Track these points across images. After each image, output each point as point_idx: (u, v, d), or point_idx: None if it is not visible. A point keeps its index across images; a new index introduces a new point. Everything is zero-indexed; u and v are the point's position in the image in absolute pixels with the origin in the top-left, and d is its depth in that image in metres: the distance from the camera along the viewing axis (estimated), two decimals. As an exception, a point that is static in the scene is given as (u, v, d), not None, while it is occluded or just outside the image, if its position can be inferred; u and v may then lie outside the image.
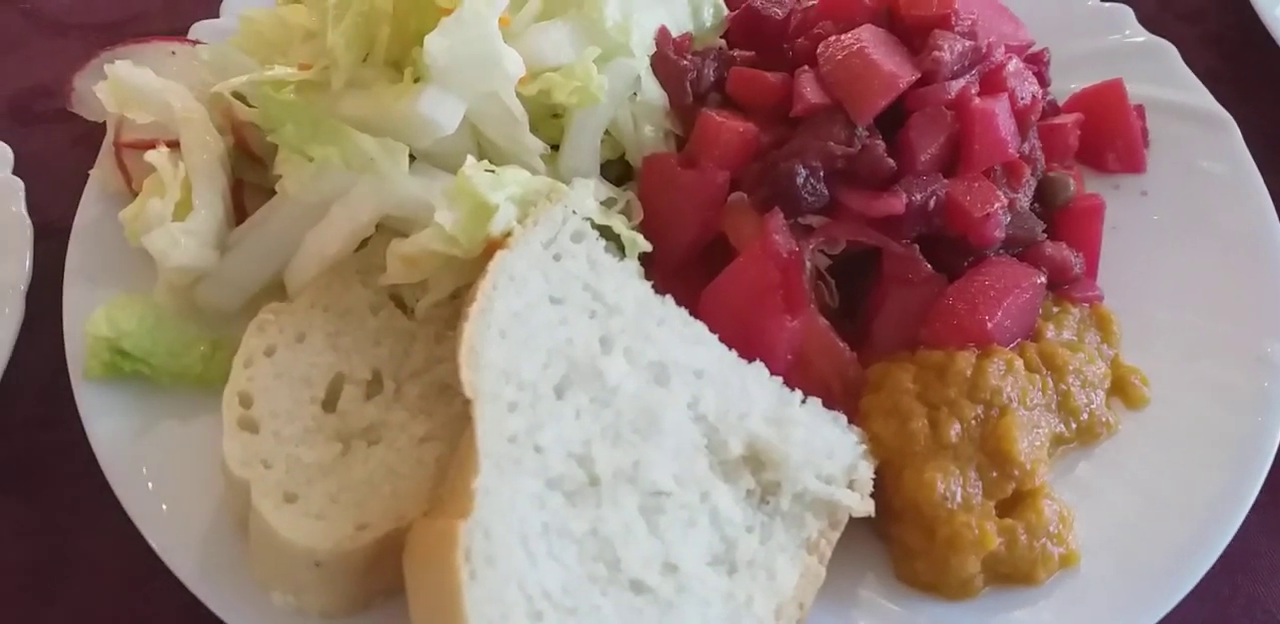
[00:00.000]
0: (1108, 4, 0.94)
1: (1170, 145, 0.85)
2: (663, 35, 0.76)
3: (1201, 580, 0.66)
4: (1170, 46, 0.90)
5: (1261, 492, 0.67)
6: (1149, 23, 0.92)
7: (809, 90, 0.71)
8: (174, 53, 0.83)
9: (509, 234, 0.61)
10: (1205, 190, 0.82)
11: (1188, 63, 0.90)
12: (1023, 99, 0.75)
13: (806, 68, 0.72)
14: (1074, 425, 0.66)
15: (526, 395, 0.53)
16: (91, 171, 0.78)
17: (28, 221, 0.77)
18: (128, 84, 0.75)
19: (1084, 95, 0.86)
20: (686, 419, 0.57)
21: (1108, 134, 0.85)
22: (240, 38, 0.77)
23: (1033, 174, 0.76)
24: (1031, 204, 0.76)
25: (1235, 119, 0.85)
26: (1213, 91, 0.87)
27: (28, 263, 0.74)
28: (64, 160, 0.86)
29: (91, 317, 0.65)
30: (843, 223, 0.70)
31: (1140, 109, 0.86)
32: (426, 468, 0.56)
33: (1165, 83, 0.88)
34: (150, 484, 0.61)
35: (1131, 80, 0.87)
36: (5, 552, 0.68)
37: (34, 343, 0.73)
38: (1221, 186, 0.81)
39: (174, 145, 0.73)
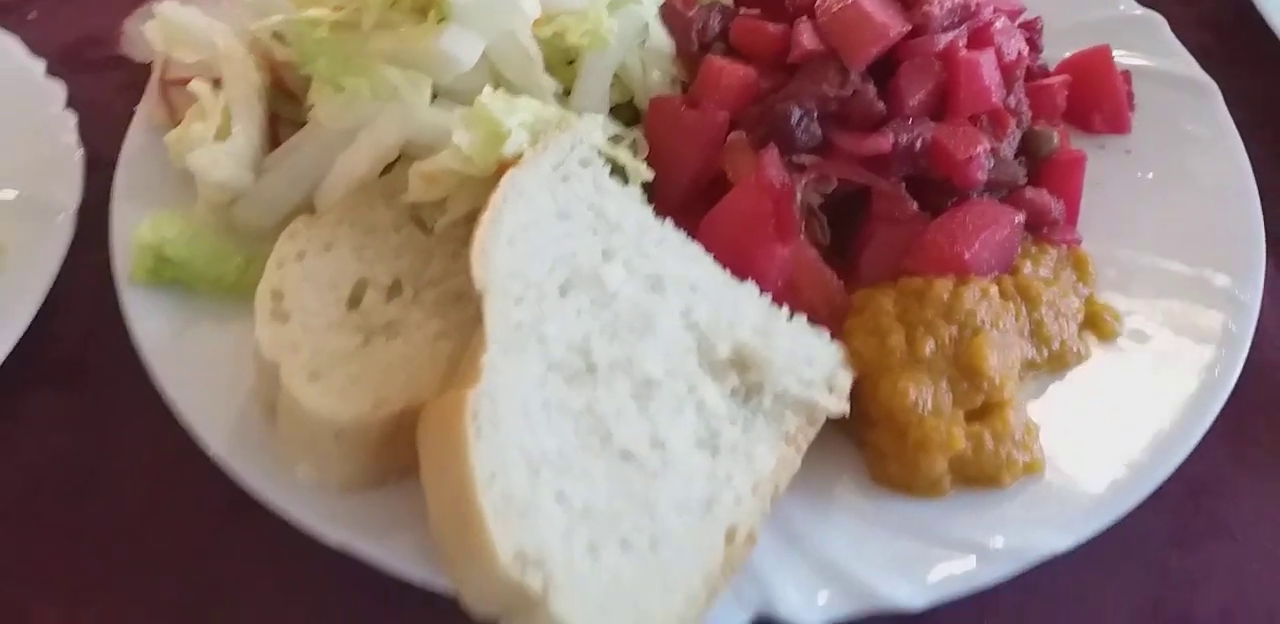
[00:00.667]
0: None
1: (1155, 109, 0.90)
2: (671, -15, 0.82)
3: (1169, 500, 0.70)
4: (1160, 19, 0.95)
5: (1229, 424, 0.72)
6: (1144, 3, 0.97)
7: (806, 38, 0.76)
8: (219, 1, 0.90)
9: (520, 156, 0.66)
10: (1187, 150, 0.86)
11: (1180, 39, 0.94)
12: (1009, 54, 0.80)
13: (805, 18, 0.78)
14: (1045, 352, 0.70)
15: (532, 292, 0.58)
16: (138, 107, 0.84)
17: (78, 150, 0.83)
18: (175, 23, 0.81)
19: (1072, 60, 0.91)
20: (679, 325, 0.62)
21: (1095, 96, 0.89)
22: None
23: (1018, 126, 0.81)
24: (1017, 156, 0.81)
25: (1223, 92, 0.89)
26: (1202, 65, 0.91)
27: (78, 186, 0.80)
28: (113, 103, 0.91)
29: (138, 227, 0.71)
30: (834, 161, 0.75)
31: (1127, 74, 0.90)
32: (439, 362, 0.61)
33: (1154, 52, 0.93)
34: (188, 375, 0.66)
35: (1121, 49, 0.91)
36: (47, 443, 0.73)
37: (82, 262, 0.79)
38: (1202, 147, 0.86)
39: (216, 83, 0.79)
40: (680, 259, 0.66)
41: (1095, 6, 0.98)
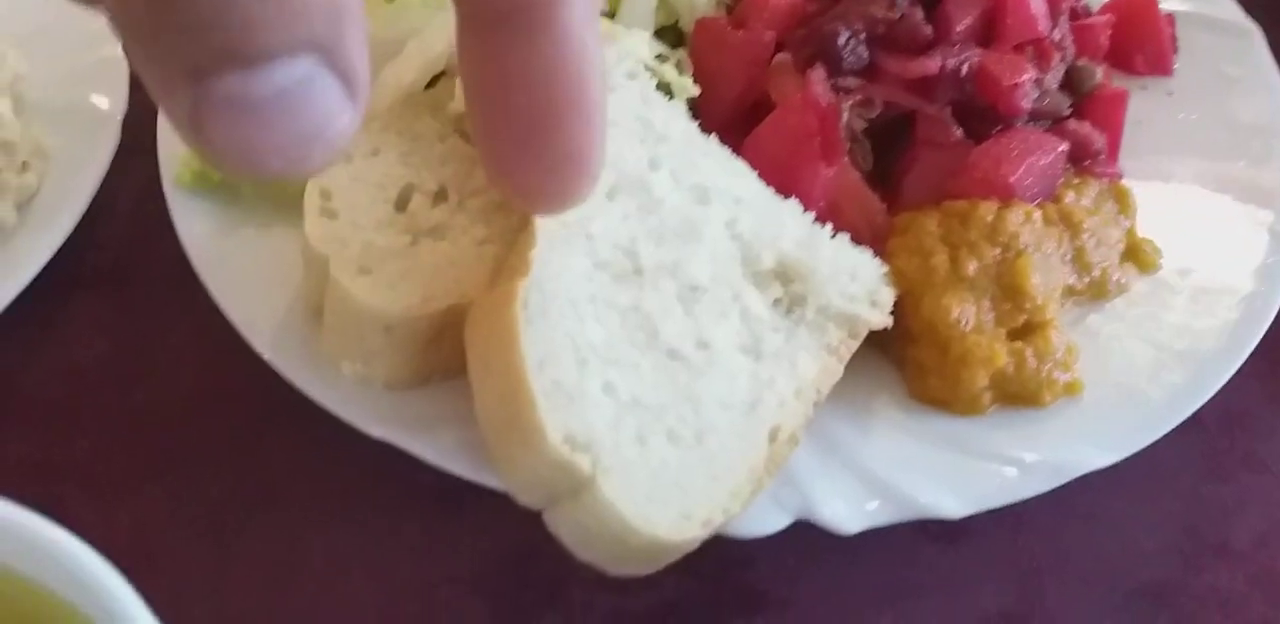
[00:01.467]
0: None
1: (1197, 52, 0.89)
2: (720, -91, 0.82)
3: (1203, 434, 0.71)
4: (1205, -36, 0.94)
5: (1265, 363, 0.72)
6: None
7: (857, -40, 0.76)
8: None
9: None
10: (1227, 90, 0.86)
11: None
12: (1056, -11, 0.80)
13: (855, -59, 0.78)
14: (1086, 279, 0.70)
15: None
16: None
17: (125, 61, 0.83)
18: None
19: (1116, 1, 0.90)
20: (724, 234, 0.62)
21: (1138, 38, 0.89)
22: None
23: (1062, 60, 0.81)
24: (1060, 90, 0.81)
25: (1266, 36, 0.89)
26: (1245, 9, 0.91)
27: (125, 95, 0.81)
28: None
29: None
30: (880, 84, 0.75)
31: (1170, 17, 0.90)
32: (485, 263, 0.61)
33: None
34: (233, 277, 0.67)
35: (1164, -4, 0.91)
36: (89, 345, 0.74)
37: (129, 171, 0.79)
38: (1242, 87, 0.86)
39: None
40: (725, 172, 0.66)
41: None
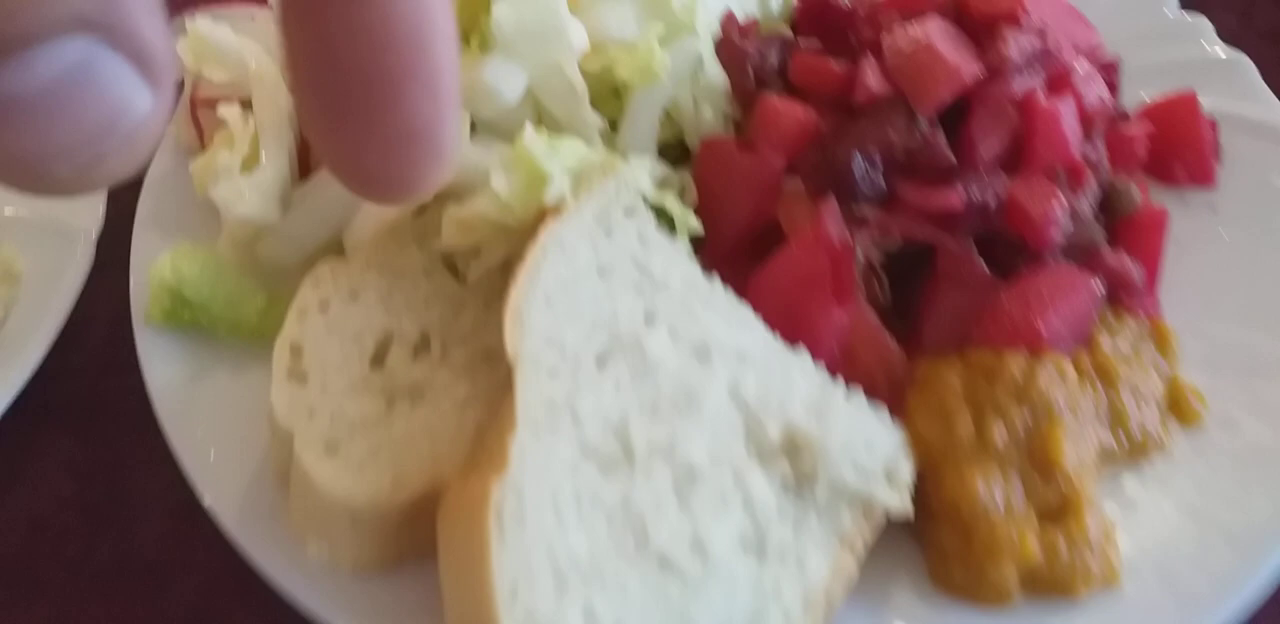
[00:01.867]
0: (1186, 16, 0.93)
1: (1243, 161, 0.83)
2: (728, 18, 0.77)
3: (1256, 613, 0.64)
4: (1248, 62, 0.88)
5: None
6: (1230, 39, 0.90)
7: (872, 79, 0.71)
8: (254, 18, 0.86)
9: (562, 204, 0.61)
10: (1276, 205, 0.80)
11: (1267, 82, 0.87)
12: (1089, 102, 0.75)
13: (871, 56, 0.72)
14: (1124, 440, 0.64)
15: (568, 362, 0.53)
16: (166, 128, 0.80)
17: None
18: (207, 40, 0.77)
19: (1155, 106, 0.85)
20: (725, 400, 0.57)
21: (1178, 146, 0.83)
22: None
23: (1096, 180, 0.75)
24: (1094, 213, 0.75)
25: None
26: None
27: (100, 210, 0.77)
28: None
29: (157, 262, 0.67)
30: (898, 216, 0.69)
31: (1213, 123, 0.84)
32: (465, 431, 0.57)
33: (1241, 98, 0.86)
34: (200, 430, 0.62)
35: (1206, 94, 0.85)
36: (58, 488, 0.70)
37: (101, 289, 0.75)
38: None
39: (247, 104, 0.75)
40: (728, 323, 0.61)
41: (1178, 44, 0.92)
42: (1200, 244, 0.78)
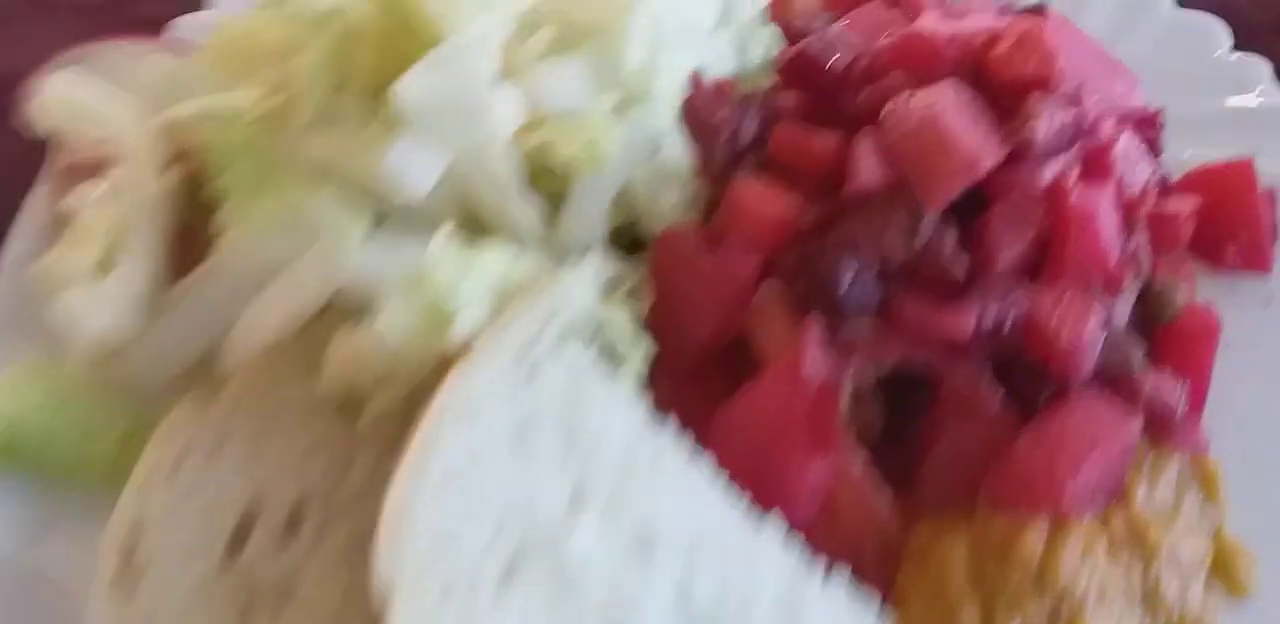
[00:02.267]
0: (1241, 57, 0.80)
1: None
2: (695, 82, 0.63)
3: None
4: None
5: None
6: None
7: (867, 165, 0.58)
8: (141, 57, 0.73)
9: (470, 345, 0.49)
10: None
11: None
12: (1132, 188, 0.62)
13: (869, 131, 0.59)
14: (1158, 614, 0.53)
15: (464, 579, 0.42)
16: (28, 198, 0.68)
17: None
18: (68, 101, 0.64)
19: (1204, 174, 0.72)
20: (672, 606, 0.45)
21: (1229, 223, 0.70)
22: (208, 50, 0.66)
23: (1136, 277, 0.63)
24: (1132, 320, 0.62)
25: None
26: None
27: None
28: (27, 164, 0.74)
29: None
30: (895, 338, 0.57)
31: (1271, 196, 0.71)
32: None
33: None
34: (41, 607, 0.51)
35: (1263, 154, 0.72)
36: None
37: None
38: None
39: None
40: (680, 495, 0.49)
41: (1230, 90, 0.79)
42: (1253, 346, 0.66)
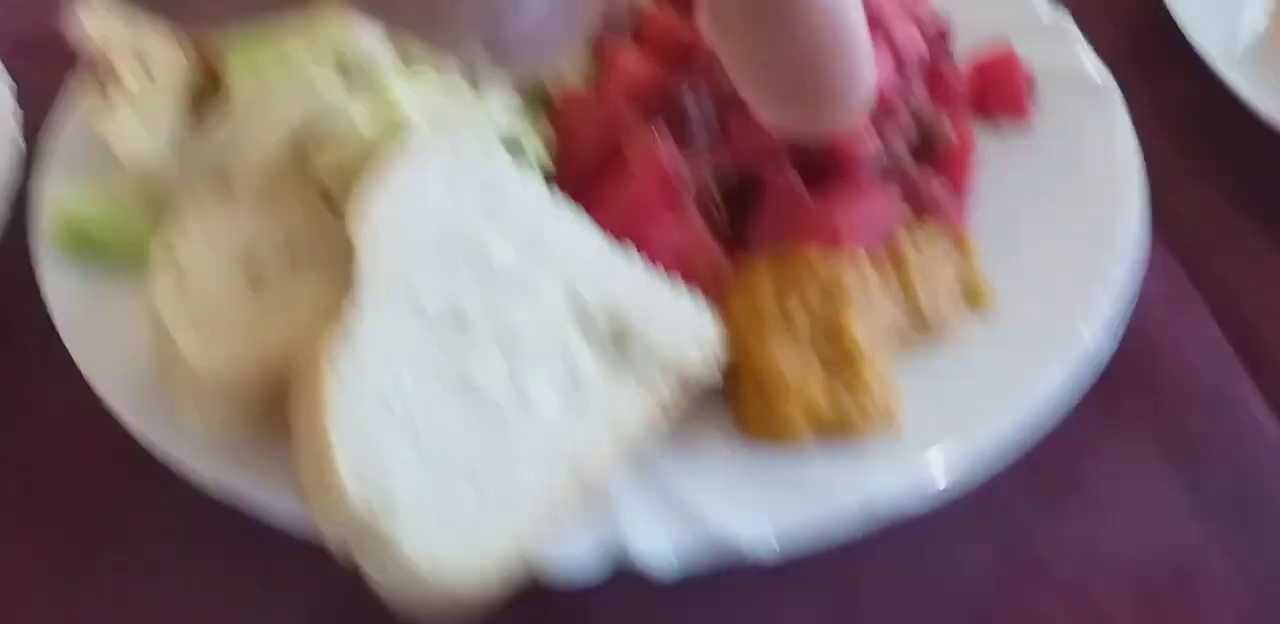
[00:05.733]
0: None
1: (1057, 106, 0.93)
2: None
3: (1035, 472, 0.73)
4: (1072, 26, 0.99)
5: (1101, 397, 0.75)
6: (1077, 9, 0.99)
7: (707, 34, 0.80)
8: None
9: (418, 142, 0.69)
10: (1082, 143, 0.90)
11: (1098, 42, 0.98)
12: (901, 44, 0.84)
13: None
14: (915, 319, 0.73)
15: (408, 244, 0.61)
16: (73, 86, 0.88)
17: (15, 126, 0.87)
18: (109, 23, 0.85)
19: (978, 65, 0.95)
20: (557, 288, 0.64)
21: (998, 89, 0.93)
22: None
23: (916, 120, 0.85)
24: (912, 148, 0.84)
25: (1135, 93, 0.93)
26: (1118, 68, 0.95)
27: (14, 162, 0.84)
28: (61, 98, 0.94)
29: (59, 195, 0.75)
30: (727, 148, 0.79)
31: (1030, 78, 0.94)
32: (317, 314, 0.64)
33: (1062, 56, 0.97)
34: (93, 333, 0.70)
35: (1029, 50, 0.95)
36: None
37: (15, 247, 0.82)
38: (1098, 141, 0.89)
39: (145, 68, 0.83)
40: (567, 231, 0.69)
41: (1010, 15, 1.02)
42: (1013, 173, 0.88)
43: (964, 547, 0.69)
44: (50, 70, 1.01)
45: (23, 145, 0.87)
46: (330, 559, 0.55)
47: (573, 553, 0.58)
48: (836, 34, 0.28)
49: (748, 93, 0.30)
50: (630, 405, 0.61)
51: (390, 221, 0.62)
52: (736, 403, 0.68)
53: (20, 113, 0.90)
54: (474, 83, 0.79)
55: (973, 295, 0.76)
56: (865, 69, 0.29)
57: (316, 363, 0.55)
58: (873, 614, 0.66)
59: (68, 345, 0.68)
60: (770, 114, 0.31)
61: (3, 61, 0.95)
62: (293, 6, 0.23)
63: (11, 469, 0.72)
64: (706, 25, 0.29)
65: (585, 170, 0.81)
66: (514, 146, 0.76)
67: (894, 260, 0.73)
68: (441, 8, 0.22)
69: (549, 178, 0.77)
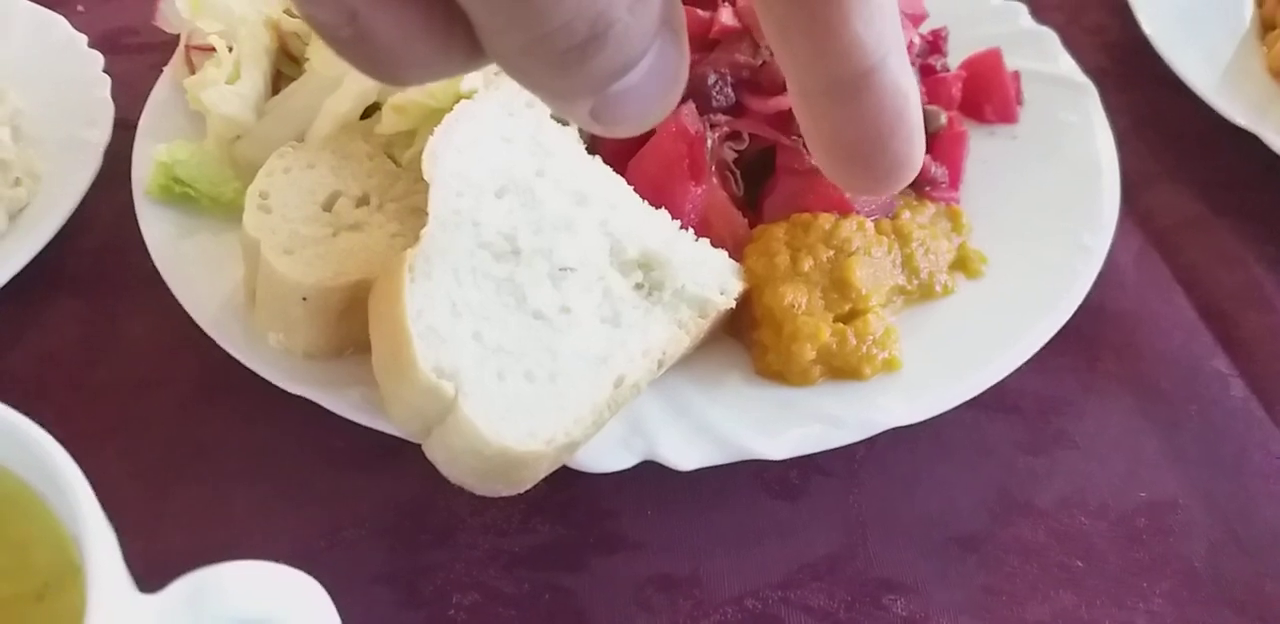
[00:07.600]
0: (1007, 1, 1.15)
1: (1040, 104, 1.04)
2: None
3: (1023, 416, 0.82)
4: (1051, 32, 1.10)
5: (1082, 358, 0.85)
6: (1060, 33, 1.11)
7: (725, 17, 0.91)
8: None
9: (474, 92, 0.80)
10: (1063, 136, 1.00)
11: (1083, 62, 1.09)
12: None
13: (725, 3, 0.93)
14: (914, 282, 0.82)
15: (472, 189, 0.71)
16: (165, 68, 0.99)
17: (110, 102, 0.98)
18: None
19: (968, 60, 1.05)
20: (596, 230, 0.74)
21: (987, 91, 1.04)
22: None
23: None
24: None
25: (1113, 105, 1.03)
26: (1099, 83, 1.06)
27: (108, 129, 0.94)
28: (144, 79, 1.05)
29: (157, 149, 0.85)
30: (745, 120, 0.89)
31: (1016, 74, 1.05)
32: (394, 251, 0.74)
33: (1044, 59, 1.08)
34: (186, 269, 0.79)
35: (1015, 57, 1.06)
36: (65, 332, 0.86)
37: (107, 193, 0.92)
38: (1075, 131, 1.00)
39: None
40: (604, 184, 0.79)
41: (995, 22, 1.13)
42: (1001, 161, 0.98)
43: (961, 488, 0.77)
44: (135, 56, 1.12)
45: (112, 105, 0.97)
46: (400, 467, 0.63)
47: (611, 448, 0.66)
48: (900, 120, 0.33)
49: (822, 160, 0.35)
50: (658, 326, 0.70)
51: (455, 170, 0.71)
52: (755, 349, 0.77)
53: (107, 78, 1.00)
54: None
55: (965, 264, 0.85)
56: (918, 150, 0.35)
57: (397, 272, 0.64)
58: (877, 540, 0.74)
59: (167, 281, 0.78)
60: (839, 179, 0.36)
61: (92, 43, 1.06)
62: (471, 69, 0.28)
63: (111, 394, 0.81)
64: (793, 100, 0.34)
65: (619, 139, 0.91)
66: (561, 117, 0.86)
67: (897, 232, 0.82)
68: (562, 81, 0.27)
69: (590, 147, 0.87)
